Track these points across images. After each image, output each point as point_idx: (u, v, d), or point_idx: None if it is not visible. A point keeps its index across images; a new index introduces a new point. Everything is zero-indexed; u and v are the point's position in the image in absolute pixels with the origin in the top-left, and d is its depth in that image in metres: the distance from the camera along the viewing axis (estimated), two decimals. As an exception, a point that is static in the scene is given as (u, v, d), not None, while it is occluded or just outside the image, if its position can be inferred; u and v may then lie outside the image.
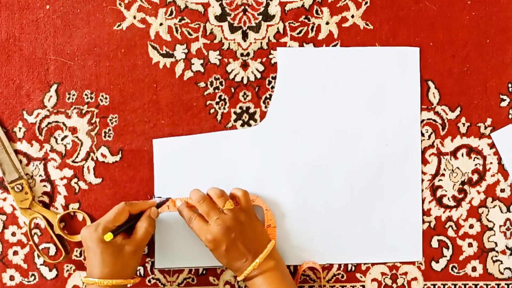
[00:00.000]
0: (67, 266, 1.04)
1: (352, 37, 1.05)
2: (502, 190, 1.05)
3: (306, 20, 1.04)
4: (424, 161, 1.05)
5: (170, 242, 1.03)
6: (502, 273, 1.05)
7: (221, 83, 1.04)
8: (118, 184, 1.04)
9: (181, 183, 1.03)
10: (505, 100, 1.05)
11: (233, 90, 1.04)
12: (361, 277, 1.05)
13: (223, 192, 0.99)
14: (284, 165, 1.04)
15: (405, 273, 1.05)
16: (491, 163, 1.05)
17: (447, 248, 1.05)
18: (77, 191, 1.04)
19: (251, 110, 1.04)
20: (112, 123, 1.04)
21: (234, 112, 1.04)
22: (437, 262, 1.05)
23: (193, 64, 1.04)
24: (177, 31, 1.04)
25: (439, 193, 1.05)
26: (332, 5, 1.04)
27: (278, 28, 1.04)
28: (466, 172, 1.05)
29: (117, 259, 0.94)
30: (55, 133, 1.04)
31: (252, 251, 0.96)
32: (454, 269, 1.05)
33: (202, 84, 1.04)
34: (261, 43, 1.04)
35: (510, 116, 1.05)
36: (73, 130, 1.04)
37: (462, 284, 1.05)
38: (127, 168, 1.04)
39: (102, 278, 0.93)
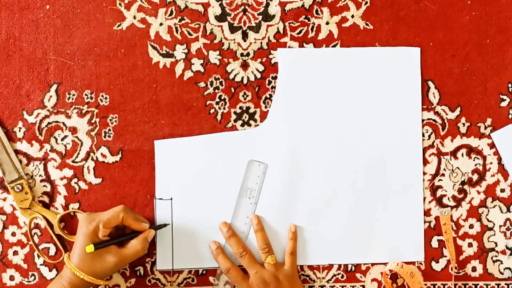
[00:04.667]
0: (67, 266, 1.04)
1: (352, 37, 1.05)
2: (502, 190, 1.05)
3: (306, 20, 1.04)
4: (424, 161, 1.05)
5: (171, 244, 1.03)
6: (502, 273, 1.05)
7: (221, 83, 1.04)
8: (118, 184, 1.04)
9: (183, 185, 1.03)
10: (505, 100, 1.05)
11: (233, 90, 1.04)
12: (361, 277, 1.05)
13: (268, 244, 1.01)
14: (285, 165, 1.03)
15: (405, 273, 1.05)
16: (491, 163, 1.05)
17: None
18: (77, 191, 1.04)
19: (251, 110, 1.04)
20: (112, 123, 1.04)
21: (234, 112, 1.04)
22: (437, 262, 1.05)
23: (193, 64, 1.04)
24: (177, 31, 1.04)
25: (439, 193, 1.05)
26: (332, 5, 1.04)
27: (278, 28, 1.04)
28: (466, 172, 1.05)
29: (97, 262, 0.95)
30: (55, 133, 1.04)
31: None
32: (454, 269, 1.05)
33: (202, 84, 1.04)
34: (261, 43, 1.04)
35: (510, 116, 1.05)
36: (73, 130, 1.04)
37: (462, 284, 1.05)
38: (127, 168, 1.04)
39: (78, 268, 0.94)
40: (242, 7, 1.04)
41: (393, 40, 1.05)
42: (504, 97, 1.05)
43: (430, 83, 1.05)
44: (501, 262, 1.05)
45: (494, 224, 1.05)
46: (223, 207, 1.03)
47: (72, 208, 1.03)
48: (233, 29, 1.04)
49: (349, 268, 1.05)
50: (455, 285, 1.05)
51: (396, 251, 1.04)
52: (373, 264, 1.05)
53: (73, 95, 1.04)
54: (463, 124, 1.05)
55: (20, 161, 1.03)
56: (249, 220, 1.02)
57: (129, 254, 0.96)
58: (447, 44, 1.05)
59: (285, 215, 1.03)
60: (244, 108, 1.04)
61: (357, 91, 1.04)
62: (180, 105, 1.04)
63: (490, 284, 1.05)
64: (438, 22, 1.05)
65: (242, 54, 1.04)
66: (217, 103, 1.04)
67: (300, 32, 1.04)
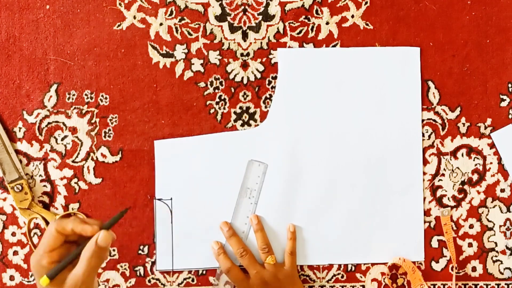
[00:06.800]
0: (67, 266, 1.04)
1: (352, 37, 1.05)
2: (502, 190, 1.05)
3: (306, 20, 1.04)
4: (424, 161, 1.05)
5: (171, 244, 1.03)
6: (502, 273, 1.05)
7: (221, 83, 1.04)
8: (118, 184, 1.04)
9: (183, 185, 1.03)
10: (505, 100, 1.05)
11: (233, 90, 1.04)
12: (361, 277, 1.05)
13: (268, 244, 1.01)
14: (285, 165, 1.03)
15: (405, 273, 1.05)
16: (491, 163, 1.05)
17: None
18: (77, 191, 1.04)
19: (251, 110, 1.04)
20: (112, 123, 1.04)
21: (234, 112, 1.04)
22: (437, 262, 1.05)
23: (193, 64, 1.04)
24: (177, 31, 1.04)
25: (439, 193, 1.05)
26: (332, 5, 1.05)
27: (278, 28, 1.04)
28: (466, 172, 1.05)
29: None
30: (55, 133, 1.04)
31: None
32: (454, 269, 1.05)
33: (202, 84, 1.04)
34: (261, 43, 1.04)
35: (510, 116, 1.05)
36: (73, 130, 1.04)
37: (462, 284, 1.05)
38: (127, 168, 1.04)
39: None
40: (242, 7, 1.04)
41: (393, 40, 1.05)
42: (504, 97, 1.05)
43: (430, 83, 1.05)
44: (501, 262, 1.05)
45: (494, 224, 1.05)
46: (223, 207, 1.03)
47: (72, 209, 1.03)
48: (233, 29, 1.04)
49: (349, 268, 1.05)
50: (455, 285, 1.05)
51: (396, 251, 1.04)
52: (373, 264, 1.05)
53: (73, 95, 1.04)
54: (463, 124, 1.05)
55: (20, 161, 1.03)
56: (249, 220, 1.02)
57: (82, 271, 0.78)
58: (447, 44, 1.05)
59: (285, 215, 1.03)
60: (244, 108, 1.04)
61: (357, 91, 1.04)
62: (180, 105, 1.04)
63: (490, 284, 1.05)
64: (438, 22, 1.05)
65: (242, 54, 1.04)
66: (217, 103, 1.04)
67: (300, 32, 1.04)
